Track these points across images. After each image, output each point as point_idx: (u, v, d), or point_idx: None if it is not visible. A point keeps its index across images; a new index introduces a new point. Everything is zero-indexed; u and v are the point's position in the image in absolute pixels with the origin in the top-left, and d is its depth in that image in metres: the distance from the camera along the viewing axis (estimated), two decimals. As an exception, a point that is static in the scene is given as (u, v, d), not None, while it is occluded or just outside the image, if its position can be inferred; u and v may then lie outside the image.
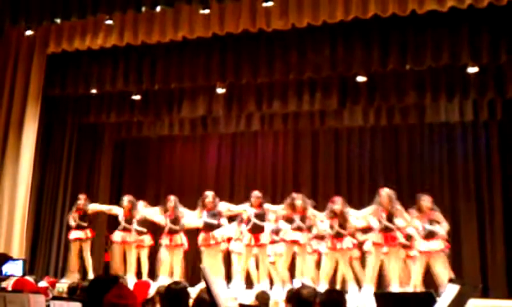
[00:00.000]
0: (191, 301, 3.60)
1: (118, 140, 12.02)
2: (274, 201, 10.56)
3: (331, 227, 8.14)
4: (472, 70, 8.15)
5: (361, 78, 8.72)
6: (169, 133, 11.32)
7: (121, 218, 9.24)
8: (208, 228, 8.61)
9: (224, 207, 8.82)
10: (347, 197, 10.47)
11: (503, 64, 8.08)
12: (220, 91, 9.45)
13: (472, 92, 8.58)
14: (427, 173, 10.51)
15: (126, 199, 9.29)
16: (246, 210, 8.53)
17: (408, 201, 8.39)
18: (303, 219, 8.23)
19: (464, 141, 10.33)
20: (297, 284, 7.59)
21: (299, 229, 8.19)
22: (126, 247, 9.23)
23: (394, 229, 7.91)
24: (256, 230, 8.40)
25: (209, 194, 8.78)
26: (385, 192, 8.02)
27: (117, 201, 9.90)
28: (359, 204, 8.78)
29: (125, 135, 11.69)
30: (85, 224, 9.42)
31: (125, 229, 9.16)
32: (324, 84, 9.12)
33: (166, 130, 11.18)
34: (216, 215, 8.65)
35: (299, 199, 8.33)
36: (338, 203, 8.19)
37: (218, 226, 8.63)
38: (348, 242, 8.10)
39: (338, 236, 8.08)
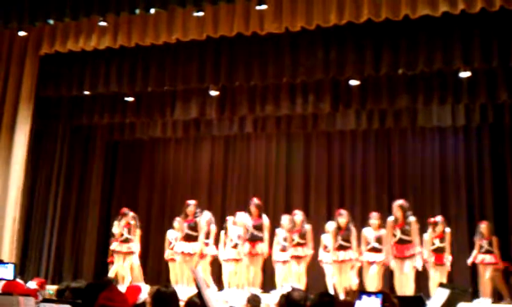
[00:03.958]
0: (181, 304, 3.60)
1: (111, 142, 11.98)
2: (267, 203, 10.58)
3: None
4: (464, 74, 8.21)
5: (354, 82, 8.75)
6: (162, 135, 11.31)
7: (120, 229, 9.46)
8: (188, 239, 8.69)
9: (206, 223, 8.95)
10: (339, 201, 10.58)
11: (495, 69, 8.11)
12: (213, 93, 9.45)
13: (464, 96, 8.62)
14: (419, 176, 10.55)
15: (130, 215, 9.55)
16: (246, 222, 8.61)
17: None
18: (301, 235, 8.52)
19: (456, 145, 10.38)
20: (287, 288, 7.62)
21: (298, 244, 8.41)
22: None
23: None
24: (255, 239, 8.47)
25: (191, 203, 8.85)
26: (396, 204, 8.23)
27: (108, 203, 9.83)
28: (351, 207, 8.80)
29: (118, 137, 11.66)
30: (132, 237, 9.47)
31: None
32: (317, 88, 9.15)
33: (159, 132, 11.17)
34: (195, 227, 8.71)
35: (299, 216, 8.69)
36: (344, 216, 8.29)
37: (197, 237, 8.74)
38: (351, 253, 8.23)
39: (341, 248, 8.24)
